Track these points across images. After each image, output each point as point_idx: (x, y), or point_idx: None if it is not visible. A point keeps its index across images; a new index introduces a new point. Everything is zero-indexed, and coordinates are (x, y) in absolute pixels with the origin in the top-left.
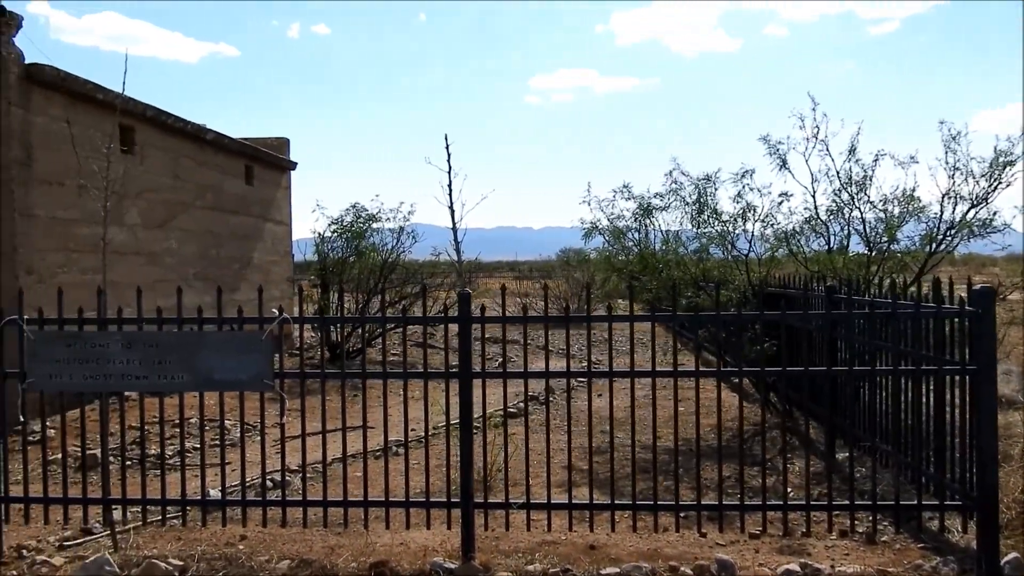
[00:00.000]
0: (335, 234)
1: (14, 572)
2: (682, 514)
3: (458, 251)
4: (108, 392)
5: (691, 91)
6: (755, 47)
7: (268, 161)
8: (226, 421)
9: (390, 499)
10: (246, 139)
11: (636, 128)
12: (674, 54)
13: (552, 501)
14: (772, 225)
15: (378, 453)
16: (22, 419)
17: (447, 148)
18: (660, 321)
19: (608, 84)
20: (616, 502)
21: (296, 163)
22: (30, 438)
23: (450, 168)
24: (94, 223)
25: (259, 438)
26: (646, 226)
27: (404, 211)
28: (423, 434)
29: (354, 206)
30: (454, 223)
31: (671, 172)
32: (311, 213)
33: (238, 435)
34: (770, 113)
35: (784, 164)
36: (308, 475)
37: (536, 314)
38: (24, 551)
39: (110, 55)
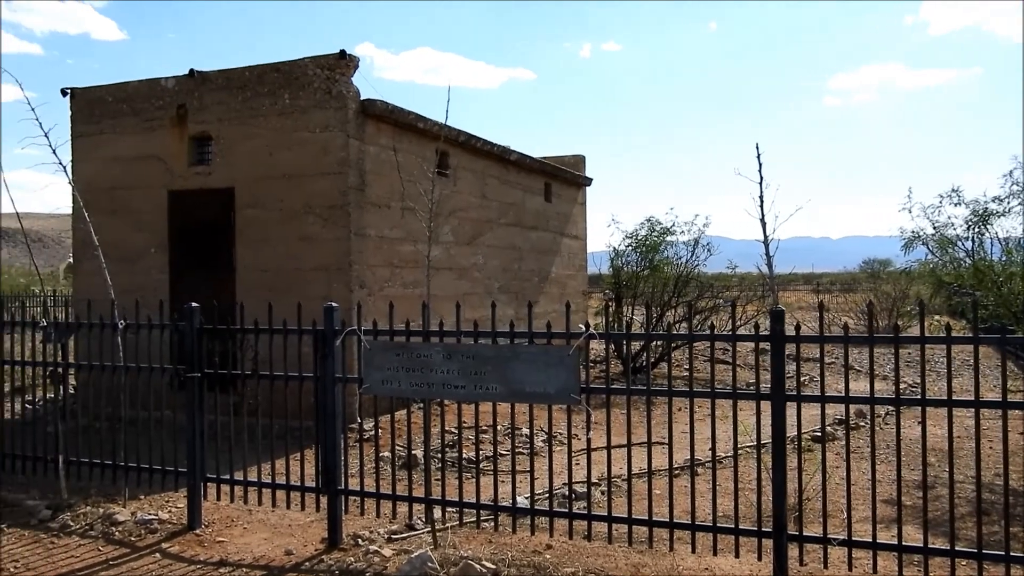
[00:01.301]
0: (629, 248)
1: (351, 558)
2: None
3: (770, 265)
4: (430, 398)
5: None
6: None
7: (565, 178)
8: (526, 430)
9: (696, 523)
10: (545, 158)
11: (958, 125)
12: (1001, 38)
13: (878, 540)
14: None
15: (677, 471)
16: (359, 420)
17: (758, 158)
18: (1012, 344)
19: (919, 79)
20: (957, 548)
21: (591, 179)
22: (365, 436)
23: (761, 179)
24: (414, 241)
25: (561, 448)
26: (980, 235)
27: (699, 223)
28: (724, 454)
29: (648, 219)
30: (765, 236)
31: (1011, 172)
32: (606, 228)
33: (540, 444)
34: None
35: None
36: (608, 489)
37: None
38: (359, 540)
39: (423, 87)
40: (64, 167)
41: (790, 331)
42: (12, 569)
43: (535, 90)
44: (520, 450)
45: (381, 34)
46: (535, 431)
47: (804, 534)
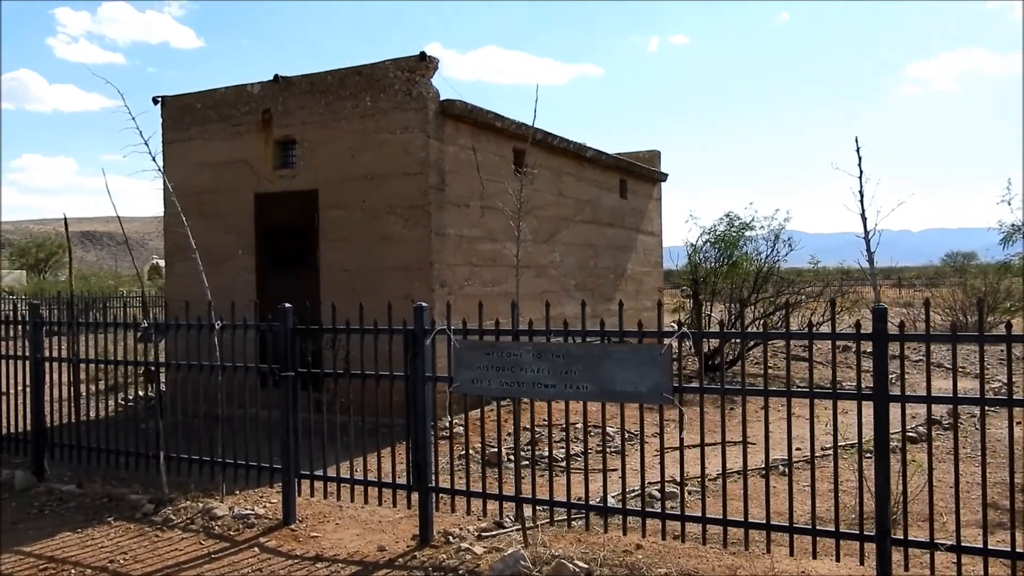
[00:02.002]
0: (707, 243)
1: (443, 555)
2: None
3: (871, 260)
4: (520, 398)
5: None
6: None
7: (640, 174)
8: (608, 428)
9: (794, 525)
10: (620, 154)
11: None
12: None
13: (989, 547)
14: None
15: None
16: (449, 417)
17: (857, 151)
18: None
19: (1004, 65)
20: None
21: (667, 174)
22: (443, 434)
23: (861, 172)
24: (492, 240)
25: (649, 447)
26: None
27: (779, 218)
28: (818, 455)
29: (727, 215)
30: (866, 230)
31: None
32: (683, 223)
33: (623, 442)
34: None
35: None
36: (697, 489)
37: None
38: (450, 537)
39: (490, 85)
40: (163, 174)
41: (893, 329)
42: (122, 561)
43: (604, 86)
44: (609, 449)
45: (448, 34)
46: (612, 429)
47: (909, 538)
